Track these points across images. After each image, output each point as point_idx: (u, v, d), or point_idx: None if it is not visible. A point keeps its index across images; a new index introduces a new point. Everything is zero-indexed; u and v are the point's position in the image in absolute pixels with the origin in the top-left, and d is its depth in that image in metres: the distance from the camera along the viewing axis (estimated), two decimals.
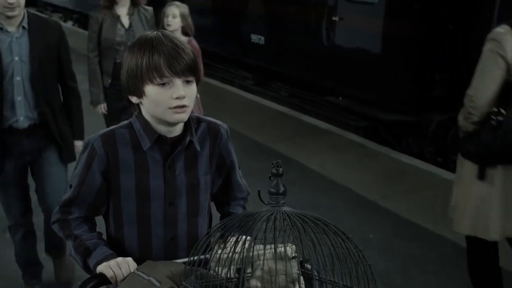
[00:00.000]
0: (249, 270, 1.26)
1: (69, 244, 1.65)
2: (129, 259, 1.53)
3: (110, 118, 4.09)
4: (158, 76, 1.49)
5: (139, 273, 1.42)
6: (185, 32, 4.23)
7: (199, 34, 4.41)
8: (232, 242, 1.23)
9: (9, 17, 2.68)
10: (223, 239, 1.25)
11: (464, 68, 4.69)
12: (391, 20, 5.55)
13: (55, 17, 14.61)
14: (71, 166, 1.93)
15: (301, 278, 1.27)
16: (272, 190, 1.22)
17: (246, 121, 6.33)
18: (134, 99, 1.57)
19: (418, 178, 4.89)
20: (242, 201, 1.77)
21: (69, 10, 14.31)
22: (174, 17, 4.20)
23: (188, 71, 1.52)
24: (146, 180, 1.58)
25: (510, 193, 2.66)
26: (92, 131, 1.62)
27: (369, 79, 5.79)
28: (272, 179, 1.23)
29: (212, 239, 1.26)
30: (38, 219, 3.10)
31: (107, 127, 1.66)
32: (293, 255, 1.26)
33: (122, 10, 4.08)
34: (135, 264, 1.51)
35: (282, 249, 1.21)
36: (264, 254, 1.22)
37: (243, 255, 1.19)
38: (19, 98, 2.73)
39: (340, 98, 6.55)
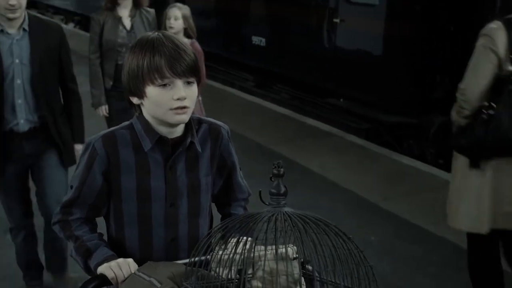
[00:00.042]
0: (250, 271, 1.26)
1: (70, 251, 1.65)
2: (130, 260, 1.53)
3: (111, 120, 4.08)
4: (159, 77, 1.49)
5: (140, 274, 1.42)
6: (187, 34, 4.22)
7: (200, 36, 4.40)
8: (233, 243, 1.23)
9: (10, 19, 2.66)
10: (224, 240, 1.24)
11: (465, 70, 4.66)
12: (392, 22, 5.55)
13: (57, 19, 14.64)
14: (72, 169, 1.92)
15: (302, 279, 1.27)
16: (273, 190, 1.21)
17: (247, 123, 6.33)
18: (135, 100, 1.57)
19: (419, 180, 4.89)
20: (243, 202, 1.77)
21: (71, 12, 14.33)
22: (176, 19, 4.18)
23: (189, 72, 1.51)
24: (147, 181, 1.58)
25: (501, 186, 2.69)
26: (93, 134, 1.62)
27: (370, 81, 5.79)
28: (273, 179, 1.23)
29: (213, 239, 1.26)
30: (39, 219, 3.10)
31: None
32: (294, 256, 1.26)
33: (124, 12, 4.07)
34: (136, 265, 1.51)
35: (283, 250, 1.21)
36: (265, 255, 1.22)
37: (244, 256, 1.19)
38: (19, 101, 2.71)
39: (341, 100, 6.55)
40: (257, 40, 7.50)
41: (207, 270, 1.29)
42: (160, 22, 4.32)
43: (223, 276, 1.23)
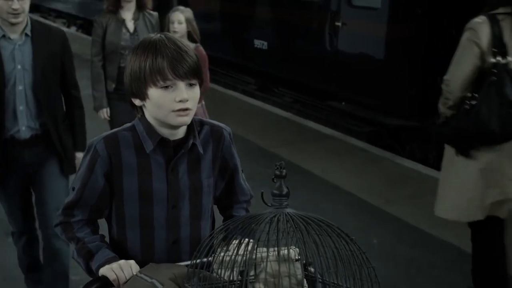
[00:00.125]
0: (252, 273, 1.25)
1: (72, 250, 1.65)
2: (132, 261, 1.52)
3: (113, 123, 4.07)
4: (161, 79, 1.49)
5: (142, 275, 1.42)
6: (191, 38, 4.19)
7: (202, 39, 4.40)
8: (235, 244, 1.23)
9: (12, 24, 2.61)
10: (226, 241, 1.24)
11: None
12: (394, 25, 5.55)
13: (59, 23, 14.68)
14: (72, 177, 1.91)
15: (305, 281, 1.27)
16: (275, 191, 1.21)
17: (249, 126, 6.34)
18: (137, 102, 1.57)
19: (421, 183, 4.88)
20: (245, 204, 1.77)
21: (73, 15, 14.36)
22: (179, 23, 4.16)
23: (191, 74, 1.51)
24: (149, 182, 1.57)
25: (487, 173, 2.75)
26: (95, 137, 1.61)
27: (372, 84, 5.79)
28: (275, 180, 1.22)
29: (215, 241, 1.26)
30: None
31: None
32: (297, 257, 1.26)
33: (127, 15, 4.06)
34: (138, 267, 1.51)
35: (286, 251, 1.21)
36: (268, 256, 1.21)
37: (246, 258, 1.18)
38: (21, 108, 2.66)
39: (343, 103, 6.55)
40: (259, 43, 7.51)
41: (209, 271, 1.29)
42: (162, 26, 4.31)
43: (225, 277, 1.22)
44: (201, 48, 4.20)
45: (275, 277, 1.22)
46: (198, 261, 1.26)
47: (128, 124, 1.62)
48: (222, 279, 1.24)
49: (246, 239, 1.23)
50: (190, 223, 1.62)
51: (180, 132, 1.59)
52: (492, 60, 2.63)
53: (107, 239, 1.65)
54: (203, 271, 1.27)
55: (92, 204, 1.61)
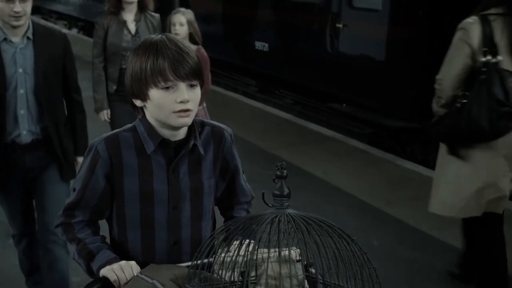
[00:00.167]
0: (253, 274, 1.25)
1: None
2: (133, 262, 1.52)
3: (114, 125, 4.07)
4: (162, 80, 1.49)
5: (143, 276, 1.42)
6: (193, 39, 4.18)
7: (203, 41, 4.40)
8: (236, 245, 1.22)
9: (14, 27, 2.58)
10: (227, 241, 1.24)
11: None
12: (394, 27, 5.56)
13: (60, 25, 14.71)
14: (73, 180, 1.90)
15: (305, 282, 1.27)
16: (276, 192, 1.21)
17: (250, 128, 6.34)
18: (138, 103, 1.57)
19: (422, 184, 4.87)
20: (246, 205, 1.76)
21: (74, 17, 14.38)
22: (181, 25, 4.14)
23: (192, 75, 1.51)
24: (150, 183, 1.57)
25: (482, 171, 2.81)
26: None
27: (373, 86, 5.79)
28: (276, 181, 1.22)
29: (216, 241, 1.26)
30: None
31: None
32: (297, 258, 1.26)
33: (129, 16, 4.06)
34: (139, 268, 1.50)
35: (287, 252, 1.21)
36: (269, 257, 1.21)
37: (247, 258, 1.18)
38: (22, 112, 2.63)
39: (344, 105, 6.55)
40: (260, 45, 7.51)
41: (209, 272, 1.28)
42: (164, 28, 4.31)
43: (226, 278, 1.22)
44: (202, 50, 4.19)
45: (276, 279, 1.22)
46: (199, 261, 1.25)
47: (129, 125, 1.62)
48: (223, 280, 1.24)
49: (247, 240, 1.23)
50: (191, 224, 1.62)
51: (181, 133, 1.59)
52: (483, 59, 2.69)
53: (107, 240, 1.65)
54: (204, 272, 1.27)
55: (93, 205, 1.61)
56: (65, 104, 2.86)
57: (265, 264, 1.22)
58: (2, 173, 2.71)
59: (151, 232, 1.60)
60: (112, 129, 4.05)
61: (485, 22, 2.71)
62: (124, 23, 4.04)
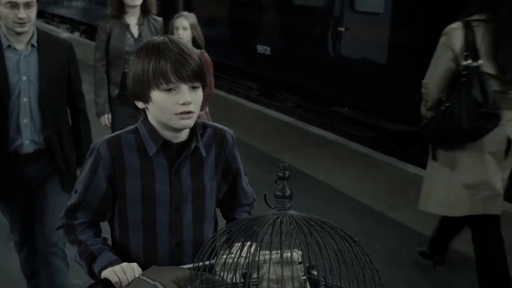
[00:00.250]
0: (254, 275, 1.25)
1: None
2: (134, 264, 1.52)
3: (115, 129, 4.05)
4: (164, 81, 1.49)
5: (144, 278, 1.41)
6: (196, 44, 4.16)
7: (205, 45, 4.40)
8: (238, 247, 1.22)
9: (18, 33, 2.54)
10: (229, 243, 1.24)
11: None
12: (396, 30, 5.56)
13: (62, 28, 14.73)
14: None
15: (307, 284, 1.26)
16: (278, 193, 1.21)
17: (252, 131, 6.34)
18: (140, 105, 1.57)
19: None
20: (247, 207, 1.76)
21: (76, 21, 14.41)
22: (184, 29, 4.12)
23: (195, 77, 1.51)
24: (152, 185, 1.57)
25: (472, 170, 2.92)
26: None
27: (375, 90, 5.79)
28: (278, 182, 1.22)
29: (218, 243, 1.25)
30: None
31: None
32: (299, 260, 1.25)
33: (132, 20, 4.05)
34: (140, 270, 1.50)
35: (289, 254, 1.20)
36: (270, 259, 1.21)
37: (249, 260, 1.18)
38: (25, 121, 2.58)
39: (346, 108, 6.54)
40: (262, 49, 7.52)
41: (211, 274, 1.28)
42: (166, 32, 4.30)
43: (228, 280, 1.22)
44: (205, 54, 4.16)
45: (278, 282, 1.21)
46: (200, 263, 1.25)
47: (131, 127, 1.62)
48: (224, 281, 1.24)
49: (249, 241, 1.22)
50: (193, 226, 1.62)
51: (183, 135, 1.58)
52: (464, 63, 2.81)
53: (109, 242, 1.65)
54: (206, 274, 1.26)
55: (94, 207, 1.61)
56: (69, 112, 2.81)
57: (267, 265, 1.22)
58: (3, 183, 2.67)
59: (153, 234, 1.59)
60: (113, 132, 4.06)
61: (468, 28, 2.83)
62: (127, 27, 4.03)
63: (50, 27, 14.90)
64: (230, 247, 1.24)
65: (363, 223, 4.18)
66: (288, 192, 1.21)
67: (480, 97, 2.77)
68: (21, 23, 2.52)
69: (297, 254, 1.25)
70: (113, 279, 1.49)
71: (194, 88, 1.52)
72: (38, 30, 2.66)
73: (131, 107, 1.62)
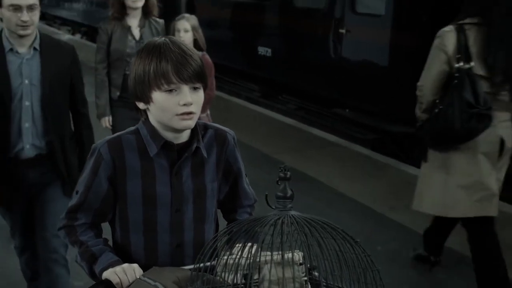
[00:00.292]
0: (256, 276, 1.25)
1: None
2: (135, 265, 1.52)
3: (116, 131, 4.03)
4: (165, 82, 1.49)
5: (145, 278, 1.41)
6: (198, 46, 4.15)
7: (206, 47, 4.40)
8: (239, 247, 1.22)
9: (21, 36, 2.52)
10: (230, 244, 1.23)
11: None
12: (397, 32, 5.56)
13: (64, 30, 14.75)
14: None
15: (309, 285, 1.26)
16: (279, 194, 1.21)
17: (253, 133, 6.33)
18: (141, 105, 1.57)
19: None
20: (249, 208, 1.76)
21: (78, 23, 14.43)
22: (186, 31, 4.11)
23: (196, 78, 1.51)
24: (153, 186, 1.57)
25: (465, 171, 2.96)
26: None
27: (376, 91, 5.78)
28: (279, 183, 1.22)
29: (219, 244, 1.25)
30: None
31: None
32: (300, 261, 1.25)
33: (133, 22, 4.04)
34: (141, 270, 1.50)
35: (290, 255, 1.20)
36: (272, 260, 1.20)
37: (250, 261, 1.18)
38: (26, 125, 2.56)
39: (347, 110, 6.54)
40: (263, 50, 7.52)
41: (212, 274, 1.28)
42: (168, 34, 4.29)
43: (229, 281, 1.22)
44: (207, 56, 4.15)
45: (279, 283, 1.21)
46: (201, 264, 1.25)
47: (132, 128, 1.62)
48: (225, 282, 1.23)
49: (250, 242, 1.22)
50: (193, 227, 1.62)
51: (184, 136, 1.58)
52: (456, 65, 2.86)
53: (110, 242, 1.65)
54: (207, 274, 1.26)
55: (95, 208, 1.60)
56: (71, 117, 2.79)
57: (268, 266, 1.22)
58: (4, 188, 2.65)
59: (154, 235, 1.59)
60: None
61: (461, 31, 2.89)
62: (128, 29, 4.03)
63: (52, 29, 14.93)
64: (231, 247, 1.24)
65: (364, 225, 4.17)
66: (289, 192, 1.21)
67: (472, 98, 2.82)
68: (24, 26, 2.50)
69: (298, 255, 1.24)
70: (114, 280, 1.49)
71: (195, 89, 1.52)
72: (40, 33, 2.64)
73: (132, 109, 1.62)
